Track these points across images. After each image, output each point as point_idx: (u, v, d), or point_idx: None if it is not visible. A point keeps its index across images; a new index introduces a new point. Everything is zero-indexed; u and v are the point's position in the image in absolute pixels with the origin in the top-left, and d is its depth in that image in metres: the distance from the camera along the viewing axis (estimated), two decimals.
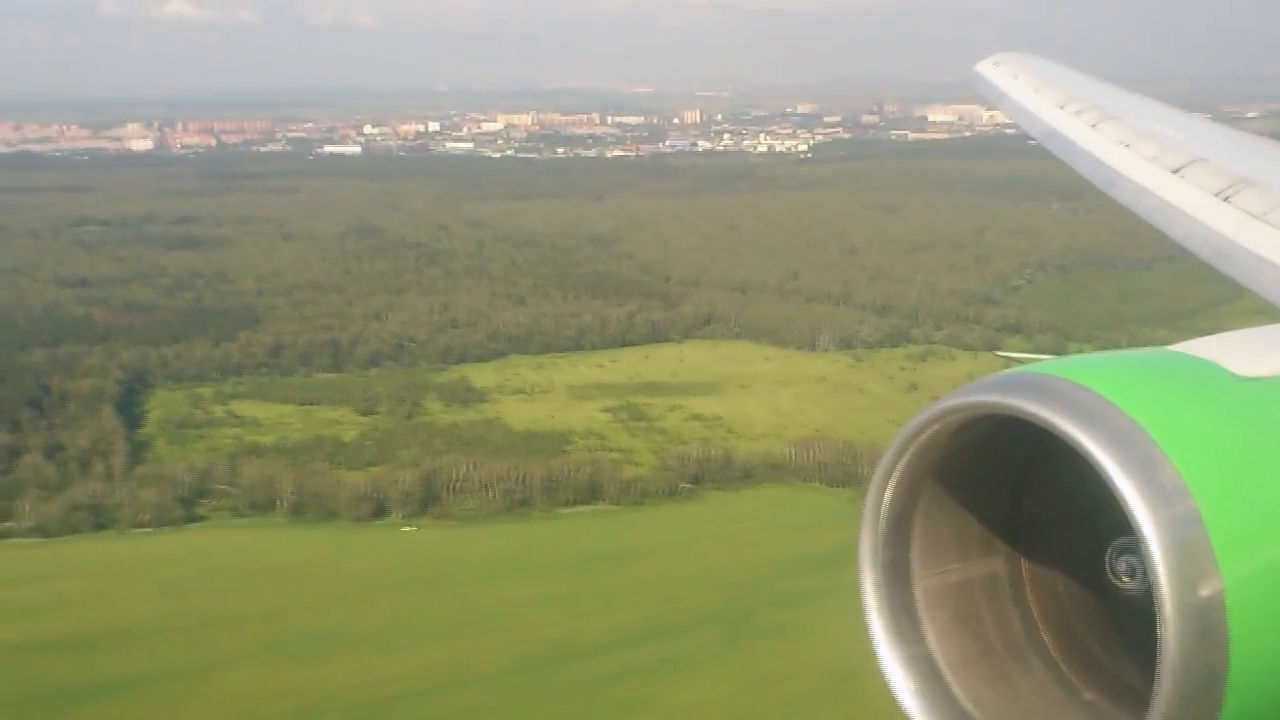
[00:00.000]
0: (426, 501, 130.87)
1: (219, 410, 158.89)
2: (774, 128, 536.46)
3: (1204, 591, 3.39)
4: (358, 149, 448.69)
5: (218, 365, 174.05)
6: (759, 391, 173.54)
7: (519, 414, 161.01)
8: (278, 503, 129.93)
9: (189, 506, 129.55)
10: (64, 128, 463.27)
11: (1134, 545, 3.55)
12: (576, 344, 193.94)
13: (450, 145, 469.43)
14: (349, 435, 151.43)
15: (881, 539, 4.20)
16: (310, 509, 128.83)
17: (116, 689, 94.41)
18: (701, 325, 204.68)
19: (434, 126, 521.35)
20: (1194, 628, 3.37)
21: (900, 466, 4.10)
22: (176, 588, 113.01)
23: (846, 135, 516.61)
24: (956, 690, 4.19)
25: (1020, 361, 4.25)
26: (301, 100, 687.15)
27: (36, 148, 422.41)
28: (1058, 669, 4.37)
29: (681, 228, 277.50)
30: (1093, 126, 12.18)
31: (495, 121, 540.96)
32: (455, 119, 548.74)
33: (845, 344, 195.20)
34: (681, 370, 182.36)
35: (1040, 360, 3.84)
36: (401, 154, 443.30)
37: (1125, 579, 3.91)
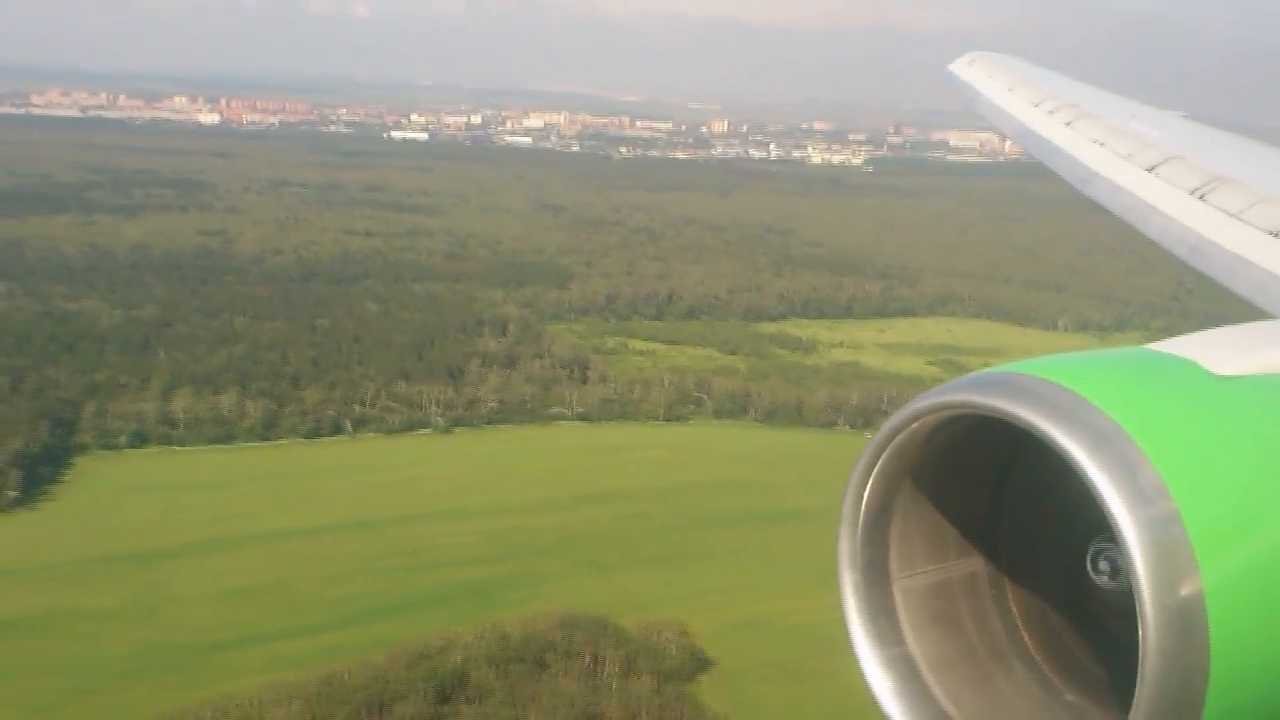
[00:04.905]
0: (870, 415, 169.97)
1: (610, 341, 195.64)
2: (809, 142, 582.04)
3: (1184, 591, 3.59)
4: (425, 135, 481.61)
5: (568, 307, 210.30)
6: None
7: (865, 360, 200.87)
8: (749, 410, 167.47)
9: (676, 408, 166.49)
10: (113, 97, 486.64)
11: (1114, 545, 3.77)
12: (848, 311, 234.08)
13: (509, 138, 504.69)
14: (739, 367, 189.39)
15: (860, 540, 4.44)
16: (779, 415, 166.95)
17: (788, 517, 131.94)
18: (942, 304, 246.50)
19: (476, 119, 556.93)
20: (1175, 627, 3.57)
21: (879, 466, 4.32)
22: (738, 458, 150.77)
23: (887, 154, 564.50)
24: (936, 691, 4.45)
25: None
26: (294, 85, 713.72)
27: (108, 114, 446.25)
28: (1039, 669, 4.62)
29: (842, 223, 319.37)
30: (1067, 125, 12.77)
31: (530, 119, 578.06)
32: (489, 115, 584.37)
33: (1080, 326, 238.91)
34: (959, 337, 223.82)
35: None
36: (468, 143, 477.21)
37: (1106, 579, 4.13)
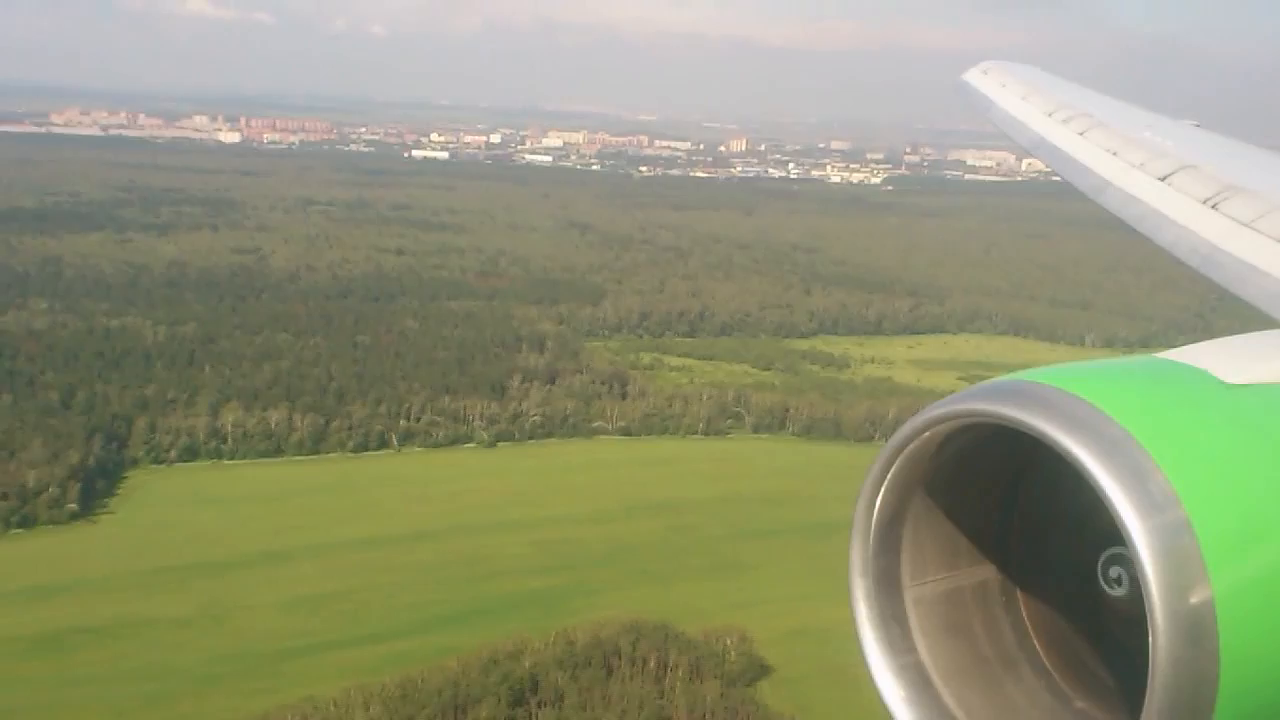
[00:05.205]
0: None
1: (646, 357, 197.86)
2: (828, 161, 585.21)
3: (1194, 599, 3.63)
4: (445, 154, 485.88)
5: (602, 324, 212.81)
6: None
7: (898, 376, 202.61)
8: (788, 424, 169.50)
9: (716, 423, 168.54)
10: (133, 115, 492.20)
11: (1125, 553, 3.80)
12: (877, 328, 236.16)
13: (529, 157, 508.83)
14: (774, 382, 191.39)
15: (872, 548, 4.49)
16: (817, 430, 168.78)
17: (833, 528, 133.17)
18: (970, 320, 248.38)
19: (495, 139, 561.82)
20: (1185, 635, 3.61)
21: (890, 475, 4.38)
22: (780, 471, 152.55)
23: (906, 173, 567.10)
24: (948, 699, 4.49)
25: None
26: (311, 104, 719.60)
27: (129, 132, 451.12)
28: (1049, 677, 4.67)
29: (867, 241, 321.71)
30: (1081, 134, 12.88)
31: (549, 138, 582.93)
32: (507, 134, 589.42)
33: (1108, 342, 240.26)
34: (989, 353, 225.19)
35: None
36: (488, 162, 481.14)
37: (1116, 587, 4.15)
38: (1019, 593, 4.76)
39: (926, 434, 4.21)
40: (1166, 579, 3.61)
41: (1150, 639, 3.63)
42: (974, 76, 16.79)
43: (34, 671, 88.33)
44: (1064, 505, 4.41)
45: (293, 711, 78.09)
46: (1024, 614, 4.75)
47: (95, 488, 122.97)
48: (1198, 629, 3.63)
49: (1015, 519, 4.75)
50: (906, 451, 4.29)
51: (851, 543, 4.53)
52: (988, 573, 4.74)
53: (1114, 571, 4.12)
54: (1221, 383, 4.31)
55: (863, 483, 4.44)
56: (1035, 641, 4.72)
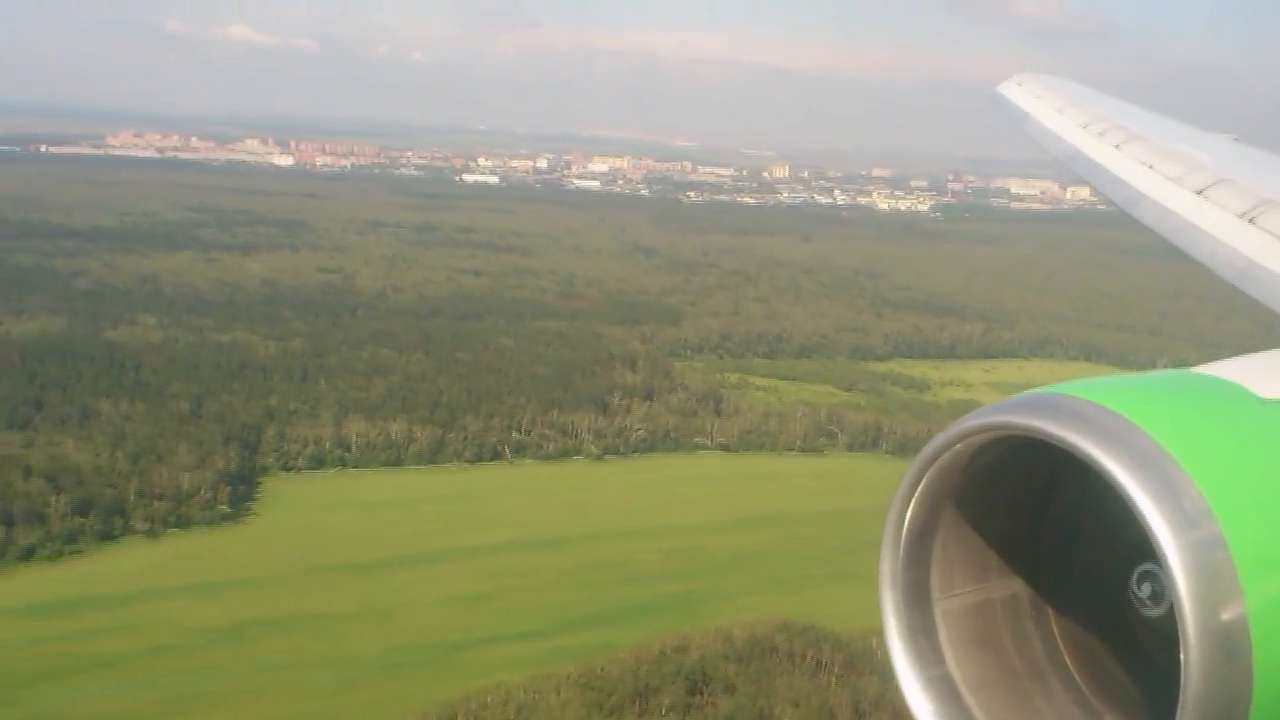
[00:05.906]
0: None
1: (732, 377, 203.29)
2: (874, 188, 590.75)
3: (1227, 615, 3.61)
4: (495, 178, 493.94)
5: (684, 344, 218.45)
6: None
7: (979, 398, 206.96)
8: (881, 443, 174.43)
9: (810, 440, 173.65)
10: (185, 139, 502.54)
11: (1157, 568, 3.77)
12: (950, 352, 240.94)
13: (578, 182, 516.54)
14: (859, 402, 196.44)
15: (902, 560, 4.49)
16: (911, 449, 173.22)
17: None
18: (1041, 346, 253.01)
19: (541, 164, 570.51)
20: (1217, 651, 3.58)
21: (921, 487, 4.39)
22: (883, 487, 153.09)
23: (952, 200, 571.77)
24: (977, 712, 4.48)
25: None
26: (354, 129, 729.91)
27: (183, 155, 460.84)
28: (1079, 691, 4.65)
29: (928, 267, 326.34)
30: (1116, 147, 12.86)
31: (595, 163, 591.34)
32: (553, 159, 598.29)
33: (1179, 367, 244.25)
34: (1065, 377, 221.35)
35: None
36: (539, 186, 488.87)
37: (1148, 602, 4.10)
38: (1049, 606, 4.79)
39: (958, 446, 4.30)
40: (1199, 595, 3.62)
41: (1182, 655, 3.65)
42: (1009, 89, 16.97)
43: (224, 659, 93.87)
44: (1095, 519, 4.48)
45: (492, 694, 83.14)
46: (1054, 627, 4.80)
47: (238, 492, 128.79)
48: (1230, 645, 3.65)
49: (1045, 532, 4.79)
50: (937, 464, 4.37)
51: (881, 555, 4.58)
52: (1017, 586, 4.78)
53: (1146, 586, 4.14)
54: (1256, 397, 4.36)
55: (893, 495, 4.50)
56: (1065, 655, 4.77)
